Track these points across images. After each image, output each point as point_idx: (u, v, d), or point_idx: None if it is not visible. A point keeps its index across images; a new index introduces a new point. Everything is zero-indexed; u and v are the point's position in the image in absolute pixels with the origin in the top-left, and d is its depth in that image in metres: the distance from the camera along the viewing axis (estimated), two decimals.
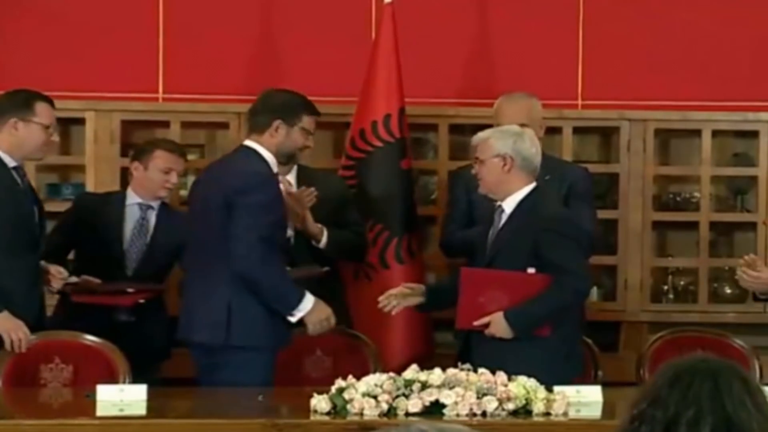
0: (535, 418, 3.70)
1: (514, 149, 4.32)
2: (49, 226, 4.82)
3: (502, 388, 3.72)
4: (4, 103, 4.59)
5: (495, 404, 3.68)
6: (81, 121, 5.61)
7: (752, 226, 5.90)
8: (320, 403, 3.71)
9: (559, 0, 5.94)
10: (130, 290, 4.76)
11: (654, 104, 5.89)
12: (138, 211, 4.95)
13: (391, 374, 3.79)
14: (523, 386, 3.74)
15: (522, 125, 4.88)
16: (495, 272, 4.29)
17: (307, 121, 4.49)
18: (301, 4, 5.87)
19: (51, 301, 4.83)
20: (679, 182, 6.04)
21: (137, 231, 4.92)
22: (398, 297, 4.49)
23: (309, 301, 4.33)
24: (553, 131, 5.76)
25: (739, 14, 5.93)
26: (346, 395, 3.69)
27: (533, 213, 4.29)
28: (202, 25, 5.82)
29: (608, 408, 3.93)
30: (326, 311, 4.38)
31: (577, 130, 5.83)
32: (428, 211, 5.69)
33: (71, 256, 4.97)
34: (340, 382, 3.77)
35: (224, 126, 5.72)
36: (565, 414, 3.75)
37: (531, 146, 4.37)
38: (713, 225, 5.90)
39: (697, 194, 5.91)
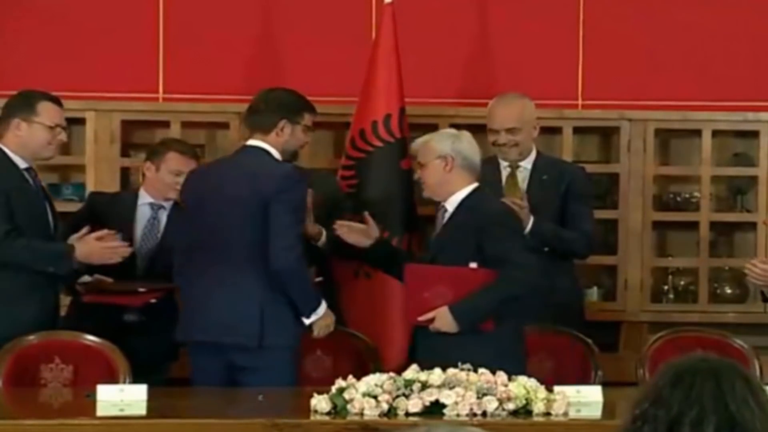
0: (535, 418, 3.70)
1: (454, 149, 4.44)
2: None
3: (502, 388, 3.72)
4: (10, 103, 4.64)
5: (495, 404, 3.68)
6: (81, 121, 5.61)
7: (752, 226, 5.90)
8: (320, 403, 3.71)
9: (559, 0, 5.94)
10: (141, 290, 4.75)
11: (654, 104, 5.89)
12: (149, 210, 4.95)
13: (391, 374, 3.79)
14: (524, 386, 3.74)
15: (512, 129, 4.93)
16: (439, 268, 4.38)
17: (308, 118, 4.56)
18: (301, 4, 5.87)
19: (64, 301, 4.83)
20: (679, 182, 6.04)
21: (148, 231, 4.92)
22: (351, 227, 4.69)
23: (323, 306, 4.44)
24: (553, 131, 5.77)
25: (739, 14, 5.93)
26: (346, 395, 3.70)
27: (474, 210, 4.40)
28: (202, 25, 5.82)
29: (608, 408, 3.93)
30: (332, 317, 4.49)
31: (577, 130, 5.84)
32: (428, 211, 5.64)
33: None
34: (340, 382, 3.77)
35: (224, 126, 5.72)
36: (566, 414, 3.75)
37: (470, 146, 4.48)
38: (713, 225, 5.91)
39: (697, 194, 5.91)
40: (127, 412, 3.81)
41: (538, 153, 5.12)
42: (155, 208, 4.95)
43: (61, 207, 5.24)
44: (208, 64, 5.79)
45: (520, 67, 5.84)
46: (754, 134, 5.91)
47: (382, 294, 5.10)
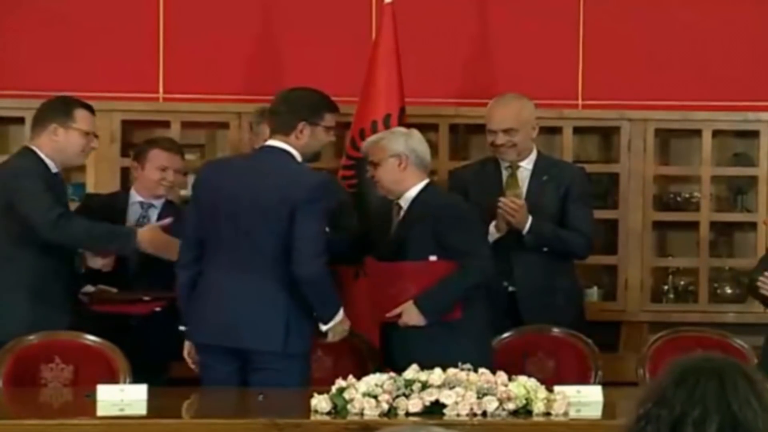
0: (536, 418, 3.70)
1: (407, 147, 4.57)
2: None
3: (503, 388, 3.72)
4: (45, 109, 4.68)
5: (495, 404, 3.67)
6: None
7: (752, 226, 5.90)
8: (320, 403, 3.71)
9: (559, 0, 5.94)
10: (146, 298, 4.78)
11: (654, 104, 5.89)
12: (140, 209, 5.01)
13: (391, 374, 3.79)
14: (524, 386, 3.74)
15: (509, 129, 4.93)
16: (400, 264, 4.50)
17: (328, 119, 4.46)
18: (301, 4, 5.87)
19: None
20: (679, 182, 6.04)
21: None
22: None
23: (341, 311, 4.41)
24: (553, 131, 5.77)
25: (739, 14, 5.93)
26: (346, 395, 3.69)
27: (428, 205, 4.51)
28: (202, 25, 5.82)
29: (608, 408, 3.93)
30: (348, 322, 4.46)
31: (577, 130, 5.84)
32: None
33: None
34: (340, 382, 3.77)
35: (224, 126, 5.73)
36: (566, 414, 3.74)
37: (421, 144, 4.62)
38: (713, 225, 5.91)
39: (697, 194, 5.91)
40: (127, 412, 3.81)
41: (539, 153, 5.11)
42: (145, 207, 5.02)
43: None
44: (208, 64, 5.79)
45: (520, 67, 5.84)
46: (754, 134, 5.91)
47: None
